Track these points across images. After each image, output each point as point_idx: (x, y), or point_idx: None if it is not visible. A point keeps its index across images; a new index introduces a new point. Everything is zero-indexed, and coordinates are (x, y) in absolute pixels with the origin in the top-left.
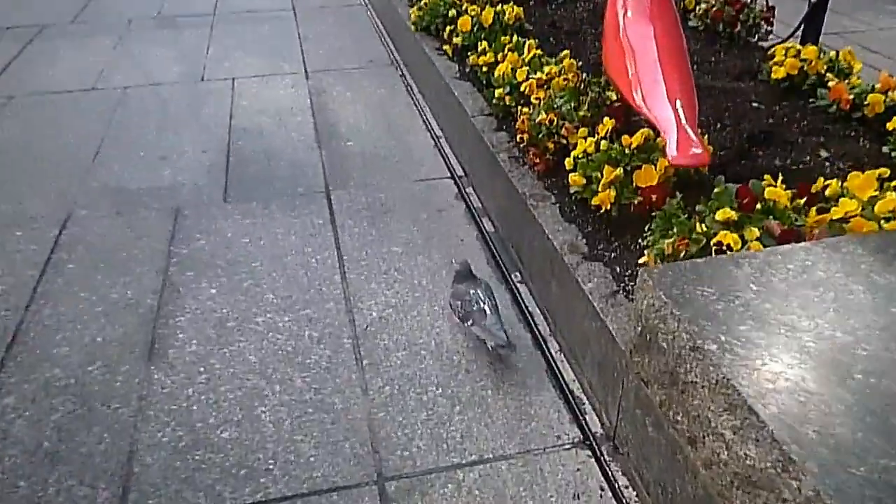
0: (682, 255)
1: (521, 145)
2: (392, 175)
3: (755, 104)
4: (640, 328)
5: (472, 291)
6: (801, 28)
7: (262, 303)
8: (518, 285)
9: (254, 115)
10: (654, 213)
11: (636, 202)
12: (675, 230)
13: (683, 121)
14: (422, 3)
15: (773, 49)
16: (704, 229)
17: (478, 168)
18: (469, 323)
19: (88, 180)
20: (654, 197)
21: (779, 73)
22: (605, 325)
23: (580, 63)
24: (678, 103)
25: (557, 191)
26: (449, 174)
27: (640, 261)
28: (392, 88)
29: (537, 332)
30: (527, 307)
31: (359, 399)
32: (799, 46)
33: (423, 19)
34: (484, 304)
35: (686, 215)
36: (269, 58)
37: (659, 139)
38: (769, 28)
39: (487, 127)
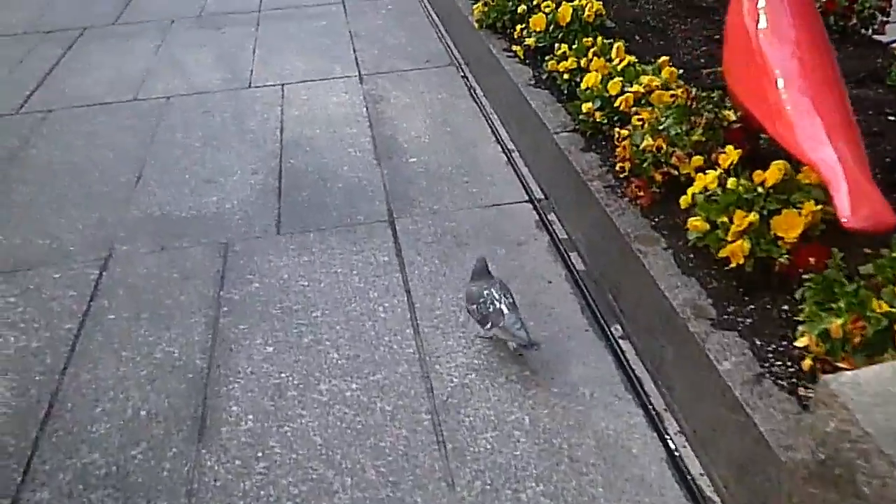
0: (856, 339)
1: (622, 175)
2: (461, 198)
3: (891, 117)
4: (822, 456)
5: (486, 292)
6: None
7: (324, 364)
8: (619, 341)
9: (305, 127)
10: (803, 275)
11: (781, 260)
12: (841, 304)
13: (853, 168)
14: None
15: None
16: (885, 308)
17: (561, 193)
18: (488, 326)
19: (130, 208)
20: (811, 260)
21: None
22: (750, 421)
23: (677, 69)
24: (841, 143)
25: (668, 231)
26: (526, 197)
27: (798, 342)
28: (454, 93)
29: (649, 406)
30: (632, 370)
31: (444, 497)
32: None
33: (489, 16)
34: (500, 303)
35: (853, 284)
36: (319, 59)
37: (802, 175)
38: (885, 19)
39: (573, 147)
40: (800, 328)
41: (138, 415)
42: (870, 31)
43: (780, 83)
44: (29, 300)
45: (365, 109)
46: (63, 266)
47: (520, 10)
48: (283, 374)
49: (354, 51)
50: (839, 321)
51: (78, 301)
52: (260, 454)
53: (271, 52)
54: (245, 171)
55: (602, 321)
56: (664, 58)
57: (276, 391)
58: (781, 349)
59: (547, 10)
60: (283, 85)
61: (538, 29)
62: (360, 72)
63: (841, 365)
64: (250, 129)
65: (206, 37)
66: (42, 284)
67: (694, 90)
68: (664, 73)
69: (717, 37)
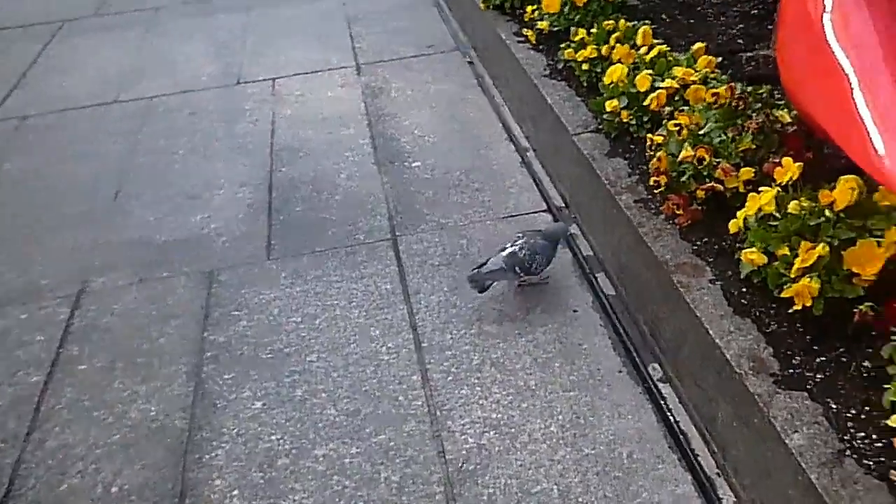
0: None
1: (658, 190)
2: (472, 209)
3: None
4: None
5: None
6: None
7: (321, 422)
8: (659, 385)
9: (299, 129)
10: (892, 327)
11: (864, 312)
12: None
13: None
14: None
15: None
16: None
17: (585, 201)
18: (488, 284)
19: (107, 232)
20: None
21: None
22: None
23: (715, 57)
24: None
25: (714, 258)
26: (544, 206)
27: (892, 422)
28: (460, 83)
29: (697, 467)
30: (677, 422)
31: None
32: None
33: None
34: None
35: None
36: (313, 47)
37: (879, 194)
38: None
39: (597, 151)
40: (890, 397)
41: (109, 492)
42: None
43: (859, 91)
44: None
45: (363, 105)
46: (32, 304)
47: None
48: (273, 437)
49: (352, 37)
50: None
51: (46, 347)
52: None
53: (263, 40)
54: (233, 183)
55: (638, 360)
56: (699, 44)
57: (265, 458)
58: (864, 416)
59: None
60: (274, 79)
61: (552, 10)
62: (357, 61)
63: None
64: (239, 132)
65: (194, 25)
66: (9, 328)
67: (739, 87)
68: (700, 63)
69: (755, 12)
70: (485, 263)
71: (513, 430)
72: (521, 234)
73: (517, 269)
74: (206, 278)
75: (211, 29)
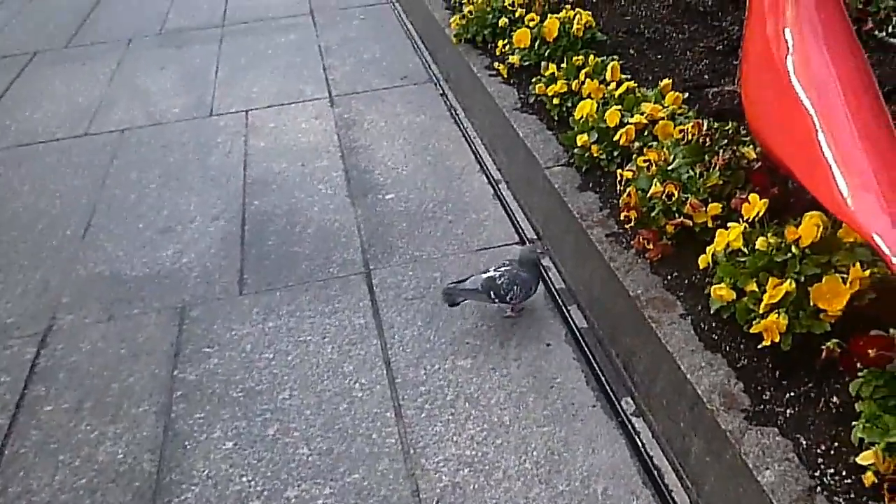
0: None
1: (628, 224)
2: (446, 241)
3: None
4: None
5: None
6: None
7: (293, 462)
8: (632, 420)
9: (272, 161)
10: (858, 364)
11: (831, 349)
12: None
13: None
14: (465, 10)
15: None
16: None
17: (558, 235)
18: (459, 300)
19: (76, 266)
20: (870, 352)
21: None
22: None
23: (681, 92)
24: None
25: (684, 293)
26: (517, 238)
27: (861, 459)
28: (433, 114)
29: (671, 503)
30: (650, 457)
31: None
32: None
33: (468, 30)
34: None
35: None
36: (286, 78)
37: (843, 230)
38: None
39: (568, 184)
40: (858, 433)
41: None
42: (885, 33)
43: (822, 133)
44: None
45: (337, 137)
46: None
47: (501, 23)
48: (244, 478)
49: (325, 68)
50: None
51: (11, 388)
52: None
53: (236, 72)
54: (205, 216)
55: (612, 394)
56: (666, 80)
57: (236, 501)
58: (833, 453)
59: (531, 23)
60: (247, 111)
61: (522, 45)
62: (331, 92)
63: None
64: (212, 165)
65: (166, 56)
66: None
67: (706, 123)
68: (668, 99)
69: (720, 48)
70: (464, 280)
71: (487, 467)
72: (507, 262)
73: (492, 293)
74: (178, 314)
75: (183, 60)
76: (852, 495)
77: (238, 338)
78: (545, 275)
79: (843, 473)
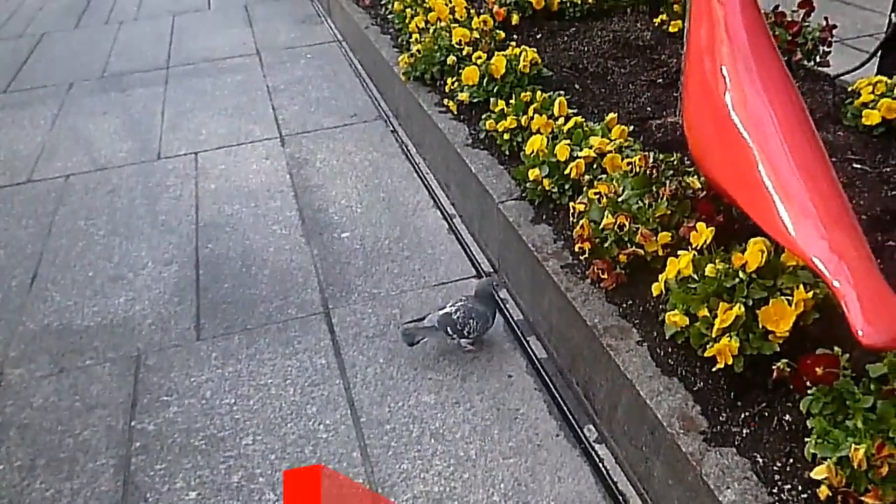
0: (883, 470)
1: (582, 255)
2: (403, 278)
3: (857, 164)
4: None
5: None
6: (878, 56)
7: None
8: (595, 447)
9: (224, 203)
10: (807, 383)
11: (781, 369)
12: (857, 422)
13: (861, 267)
14: (413, 49)
15: (854, 85)
16: None
17: (514, 268)
18: (418, 339)
19: (24, 319)
20: (817, 370)
21: (872, 117)
22: None
23: (626, 125)
24: (841, 234)
25: (640, 320)
26: (473, 272)
27: (815, 474)
28: (385, 151)
29: None
30: (615, 483)
31: None
32: (887, 80)
33: (416, 68)
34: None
35: (867, 397)
36: (235, 119)
37: (785, 255)
38: (827, 49)
39: (522, 218)
40: (811, 449)
41: None
42: (813, 62)
43: (762, 165)
44: None
45: (289, 177)
46: None
47: (449, 60)
48: None
49: (273, 108)
50: (861, 449)
51: None
52: None
53: (182, 114)
54: (157, 262)
55: (574, 423)
56: (612, 115)
57: None
58: (789, 469)
59: (479, 61)
60: (196, 154)
61: (471, 83)
62: (281, 132)
63: (867, 501)
64: (162, 209)
65: (109, 101)
66: None
67: (652, 156)
68: (614, 133)
69: (660, 80)
70: (422, 319)
71: (456, 502)
72: (463, 297)
73: (448, 329)
74: (133, 363)
75: (127, 104)
76: None
77: (197, 384)
78: (503, 307)
79: (800, 489)
